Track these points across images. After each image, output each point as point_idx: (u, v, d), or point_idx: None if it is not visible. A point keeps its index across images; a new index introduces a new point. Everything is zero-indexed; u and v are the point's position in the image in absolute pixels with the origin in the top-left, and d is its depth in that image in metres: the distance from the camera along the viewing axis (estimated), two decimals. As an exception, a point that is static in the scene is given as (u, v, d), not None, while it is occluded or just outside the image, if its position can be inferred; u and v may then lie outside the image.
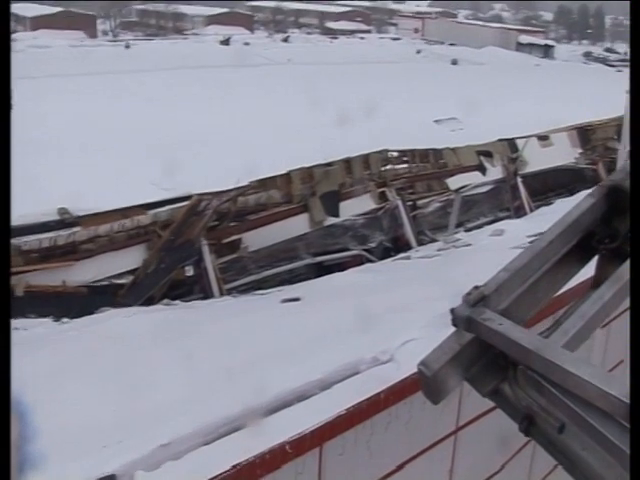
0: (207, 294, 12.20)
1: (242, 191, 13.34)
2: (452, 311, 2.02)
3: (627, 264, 2.02)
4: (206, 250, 12.39)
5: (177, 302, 11.00)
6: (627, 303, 2.00)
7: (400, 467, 5.92)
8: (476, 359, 2.01)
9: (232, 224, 13.30)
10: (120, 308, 9.74)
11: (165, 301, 11.06)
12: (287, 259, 14.57)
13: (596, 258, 2.28)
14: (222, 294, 12.27)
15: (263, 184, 14.05)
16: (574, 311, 2.03)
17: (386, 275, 11.59)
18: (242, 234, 13.37)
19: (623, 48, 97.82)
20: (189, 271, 12.31)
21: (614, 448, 1.67)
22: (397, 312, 7.75)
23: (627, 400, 1.59)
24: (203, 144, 16.57)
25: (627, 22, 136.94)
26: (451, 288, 7.89)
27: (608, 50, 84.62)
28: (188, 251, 12.17)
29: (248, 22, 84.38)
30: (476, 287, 2.05)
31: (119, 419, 5.27)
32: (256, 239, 13.55)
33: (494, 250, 13.62)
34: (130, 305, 10.61)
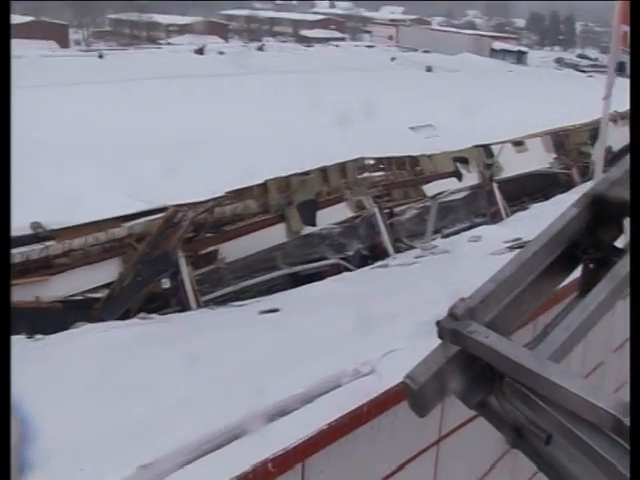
0: (184, 306, 12.04)
1: (219, 202, 13.21)
2: (438, 324, 2.01)
3: (611, 273, 2.04)
4: (183, 262, 12.24)
5: (154, 315, 10.83)
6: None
7: (384, 480, 5.87)
8: (462, 372, 2.00)
9: (209, 235, 13.18)
10: (96, 323, 9.57)
11: (142, 315, 10.88)
12: (264, 269, 14.47)
13: (581, 267, 2.29)
14: (199, 306, 12.12)
15: (240, 194, 13.93)
16: (559, 322, 2.02)
17: (364, 284, 11.56)
18: (219, 245, 13.25)
19: (594, 54, 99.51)
20: (166, 284, 12.17)
21: (601, 460, 1.67)
22: (377, 322, 7.69)
23: (614, 412, 1.58)
24: (181, 154, 16.41)
25: (597, 28, 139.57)
26: (430, 296, 7.91)
27: (581, 56, 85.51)
28: (165, 263, 12.02)
29: (222, 31, 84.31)
30: (462, 299, 2.04)
31: (96, 438, 5.15)
32: (233, 250, 13.44)
33: (472, 256, 13.64)
34: (106, 320, 10.43)
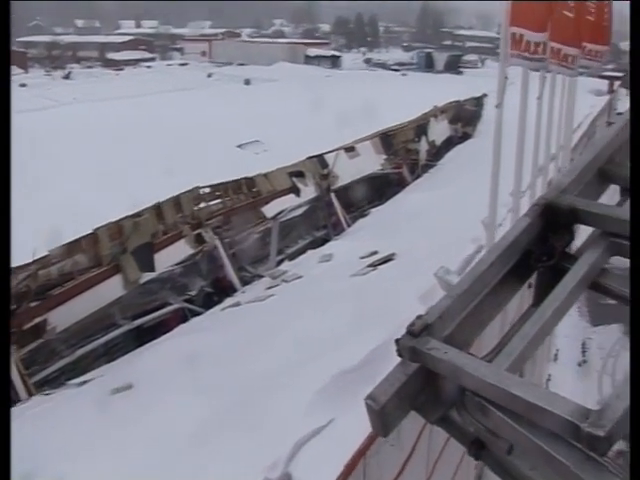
0: (11, 398, 10.23)
1: (42, 263, 11.45)
2: (397, 342, 2.01)
3: (565, 279, 2.13)
4: (4, 343, 10.41)
5: (-27, 419, 9.00)
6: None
7: None
8: (423, 388, 2.02)
9: (33, 304, 11.35)
10: None
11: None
12: (103, 330, 12.86)
13: (535, 276, 2.33)
14: (30, 394, 10.30)
15: (66, 250, 12.18)
16: (516, 332, 2.06)
17: (221, 335, 10.21)
18: (47, 314, 11.43)
19: (398, 53, 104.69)
20: (-15, 374, 10.23)
21: (561, 467, 1.69)
22: (259, 394, 6.57)
23: (572, 419, 1.61)
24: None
25: (397, 28, 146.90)
26: (308, 347, 6.74)
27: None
28: (-19, 351, 10.13)
29: (21, 60, 78.98)
30: (419, 316, 2.05)
31: None
32: (65, 315, 11.68)
33: (332, 281, 12.79)
34: None
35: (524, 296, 2.43)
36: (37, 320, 11.22)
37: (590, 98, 30.86)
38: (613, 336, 17.50)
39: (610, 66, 47.95)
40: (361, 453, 4.98)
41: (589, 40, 8.92)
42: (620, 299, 2.15)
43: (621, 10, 9.10)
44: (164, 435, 6.27)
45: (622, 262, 2.20)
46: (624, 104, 34.14)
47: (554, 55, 8.00)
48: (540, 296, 2.20)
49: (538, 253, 2.28)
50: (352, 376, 6.05)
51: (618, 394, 1.66)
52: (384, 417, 1.97)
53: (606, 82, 43.81)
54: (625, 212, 2.15)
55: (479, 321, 2.20)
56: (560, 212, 2.28)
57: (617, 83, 43.47)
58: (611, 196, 2.54)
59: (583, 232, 2.32)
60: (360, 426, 4.67)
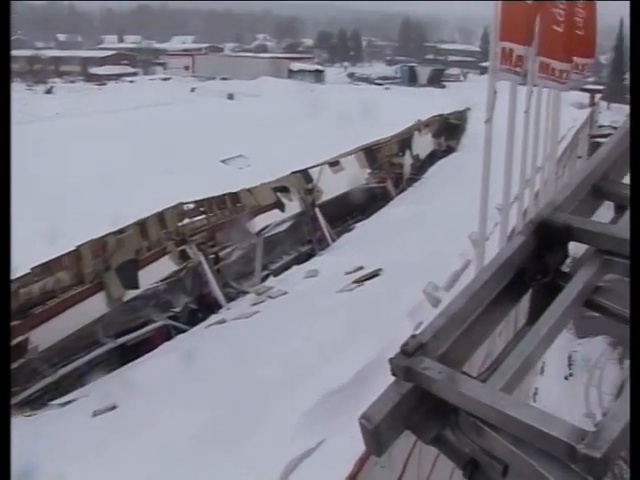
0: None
1: (23, 281, 11.28)
2: (390, 361, 1.99)
3: (560, 297, 2.12)
4: (-16, 365, 10.19)
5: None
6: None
7: None
8: (417, 407, 2.00)
9: (14, 323, 11.16)
10: None
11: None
12: (86, 348, 12.65)
13: (529, 294, 2.30)
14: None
15: (48, 267, 12.03)
16: (511, 351, 2.04)
17: (206, 353, 10.10)
18: (28, 333, 11.25)
19: (381, 67, 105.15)
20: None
21: None
22: (247, 414, 6.47)
23: (567, 440, 1.59)
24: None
25: (379, 42, 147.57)
26: (297, 362, 6.64)
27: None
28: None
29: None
30: (413, 335, 2.03)
31: None
32: (47, 334, 11.51)
33: (318, 297, 12.69)
34: None
35: (510, 312, 2.34)
36: (19, 339, 11.04)
37: (572, 111, 31.05)
38: (598, 348, 17.53)
39: (591, 79, 48.37)
40: (352, 478, 4.88)
41: (575, 53, 8.93)
42: (615, 317, 2.11)
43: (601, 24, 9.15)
44: (150, 455, 6.16)
45: (617, 280, 2.16)
46: (605, 117, 34.51)
47: (543, 69, 7.99)
48: (534, 314, 2.18)
49: (532, 271, 2.27)
50: (340, 396, 5.96)
51: (614, 414, 1.64)
52: (378, 437, 1.97)
53: (587, 95, 44.21)
54: (619, 229, 2.13)
55: (473, 340, 2.19)
56: (554, 230, 2.27)
57: (598, 96, 43.85)
58: (602, 214, 2.51)
59: (579, 250, 2.28)
60: (350, 448, 4.61)
